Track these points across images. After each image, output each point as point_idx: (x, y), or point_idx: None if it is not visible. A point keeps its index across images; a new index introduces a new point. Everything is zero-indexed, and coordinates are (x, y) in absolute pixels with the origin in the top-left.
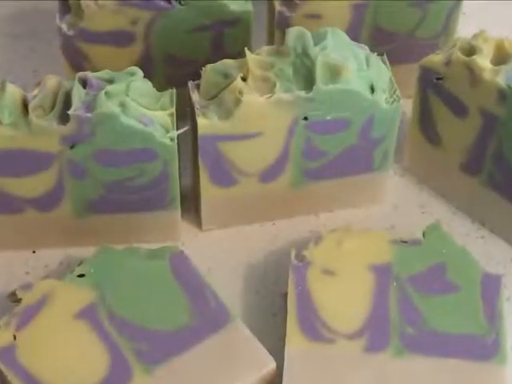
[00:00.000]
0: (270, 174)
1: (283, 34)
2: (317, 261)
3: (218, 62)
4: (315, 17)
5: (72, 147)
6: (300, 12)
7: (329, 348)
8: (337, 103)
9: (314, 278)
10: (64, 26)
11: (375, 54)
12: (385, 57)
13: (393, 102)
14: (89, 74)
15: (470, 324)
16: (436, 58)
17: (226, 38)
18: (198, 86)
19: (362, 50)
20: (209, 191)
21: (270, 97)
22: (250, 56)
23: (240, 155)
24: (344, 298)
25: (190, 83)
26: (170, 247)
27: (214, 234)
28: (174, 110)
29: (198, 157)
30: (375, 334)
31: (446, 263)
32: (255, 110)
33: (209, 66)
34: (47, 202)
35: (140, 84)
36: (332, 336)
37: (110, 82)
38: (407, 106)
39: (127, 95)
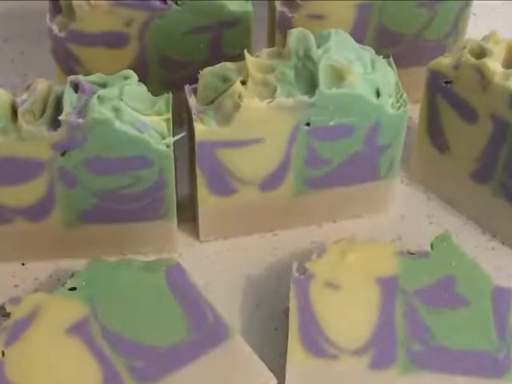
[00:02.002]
0: (270, 183)
1: (284, 35)
2: (320, 273)
3: (217, 65)
4: (318, 17)
5: (63, 154)
6: (302, 12)
7: (332, 364)
8: (341, 108)
9: (316, 292)
10: (55, 27)
11: (381, 56)
12: (391, 59)
13: (399, 107)
14: (81, 78)
15: (481, 340)
16: (445, 61)
17: (225, 40)
18: (195, 90)
19: (367, 53)
20: (207, 200)
21: (270, 101)
22: (249, 59)
23: (239, 163)
24: (348, 312)
25: (187, 87)
26: (166, 259)
27: (212, 245)
28: (170, 115)
29: (195, 164)
30: (381, 349)
31: (455, 276)
32: (255, 115)
33: (207, 69)
34: (37, 211)
35: (134, 88)
36: (336, 352)
37: (103, 85)
38: (414, 111)
39: (121, 100)
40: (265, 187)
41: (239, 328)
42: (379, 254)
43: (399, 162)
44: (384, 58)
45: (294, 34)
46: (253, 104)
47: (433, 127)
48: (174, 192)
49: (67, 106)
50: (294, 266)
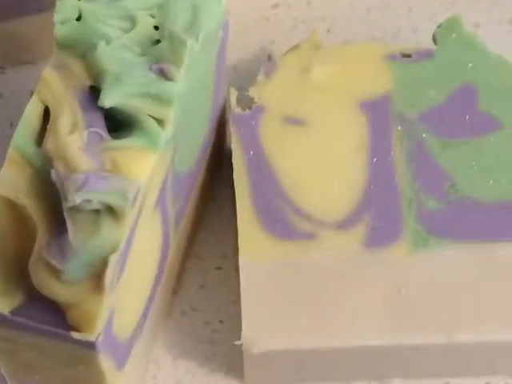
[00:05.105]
0: None
1: None
2: (272, 103)
3: None
4: None
5: None
6: None
7: (306, 247)
8: None
9: (271, 133)
10: None
11: None
12: None
13: None
14: None
15: None
16: None
17: None
18: None
19: None
20: None
21: None
22: None
23: None
24: (323, 161)
25: None
26: None
27: None
28: None
29: None
30: (378, 216)
31: (475, 84)
32: None
33: None
34: None
35: None
36: (311, 228)
37: None
38: None
39: None
40: None
41: None
42: (361, 61)
43: None
44: None
45: None
46: None
47: None
48: None
49: None
50: (233, 95)
